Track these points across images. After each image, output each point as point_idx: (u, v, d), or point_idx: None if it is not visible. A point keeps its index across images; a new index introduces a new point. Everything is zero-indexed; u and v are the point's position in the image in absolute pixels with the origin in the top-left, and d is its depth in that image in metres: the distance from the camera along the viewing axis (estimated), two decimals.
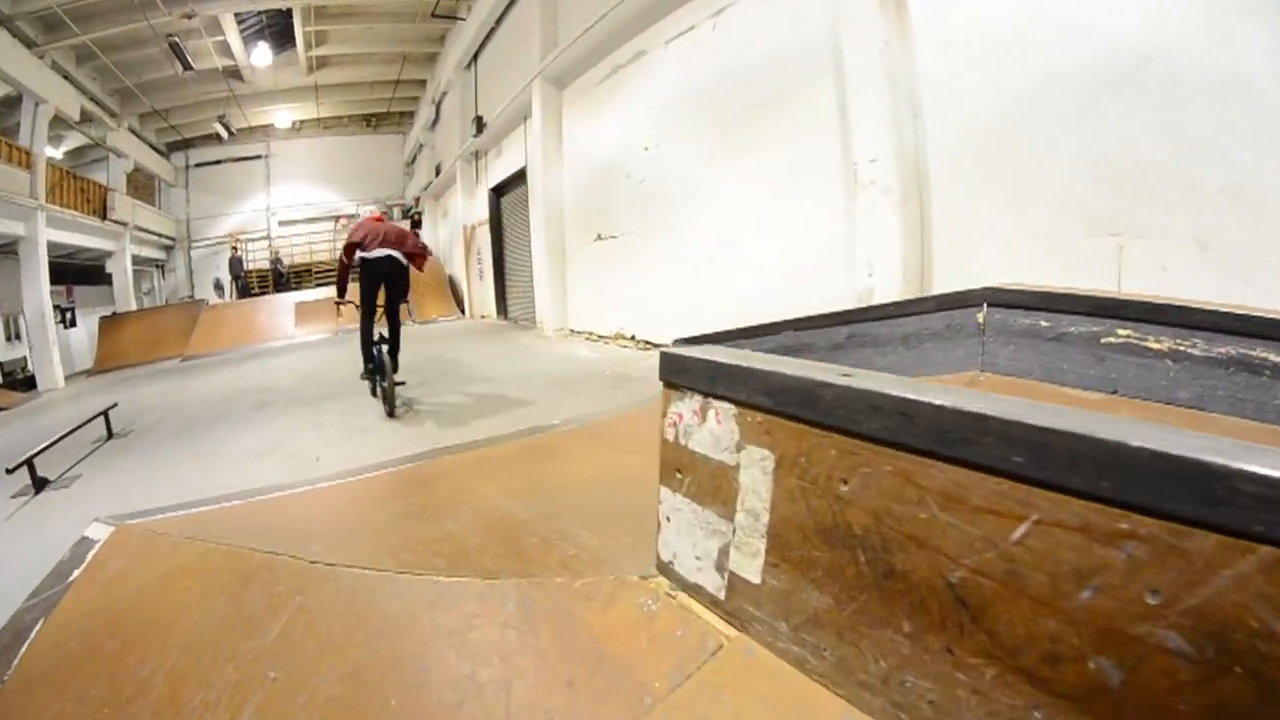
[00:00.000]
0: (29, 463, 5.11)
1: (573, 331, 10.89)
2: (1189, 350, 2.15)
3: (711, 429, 1.13)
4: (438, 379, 7.95)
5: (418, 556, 1.69)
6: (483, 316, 16.90)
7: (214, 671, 1.43)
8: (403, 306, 6.61)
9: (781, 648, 1.05)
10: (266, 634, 1.49)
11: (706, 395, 1.13)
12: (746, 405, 1.06)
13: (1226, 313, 2.08)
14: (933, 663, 0.85)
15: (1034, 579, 0.74)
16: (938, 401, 0.79)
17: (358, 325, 6.59)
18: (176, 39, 15.28)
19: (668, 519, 1.25)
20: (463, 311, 18.12)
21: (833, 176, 5.31)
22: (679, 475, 1.21)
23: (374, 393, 6.68)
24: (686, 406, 1.17)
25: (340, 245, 8.29)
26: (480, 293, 17.05)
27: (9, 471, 4.90)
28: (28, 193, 13.26)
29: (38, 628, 2.00)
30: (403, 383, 6.50)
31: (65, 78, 15.23)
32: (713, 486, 1.14)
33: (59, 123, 15.09)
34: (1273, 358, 1.97)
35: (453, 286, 19.07)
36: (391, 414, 6.05)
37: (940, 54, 4.50)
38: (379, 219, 6.67)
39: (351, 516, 2.62)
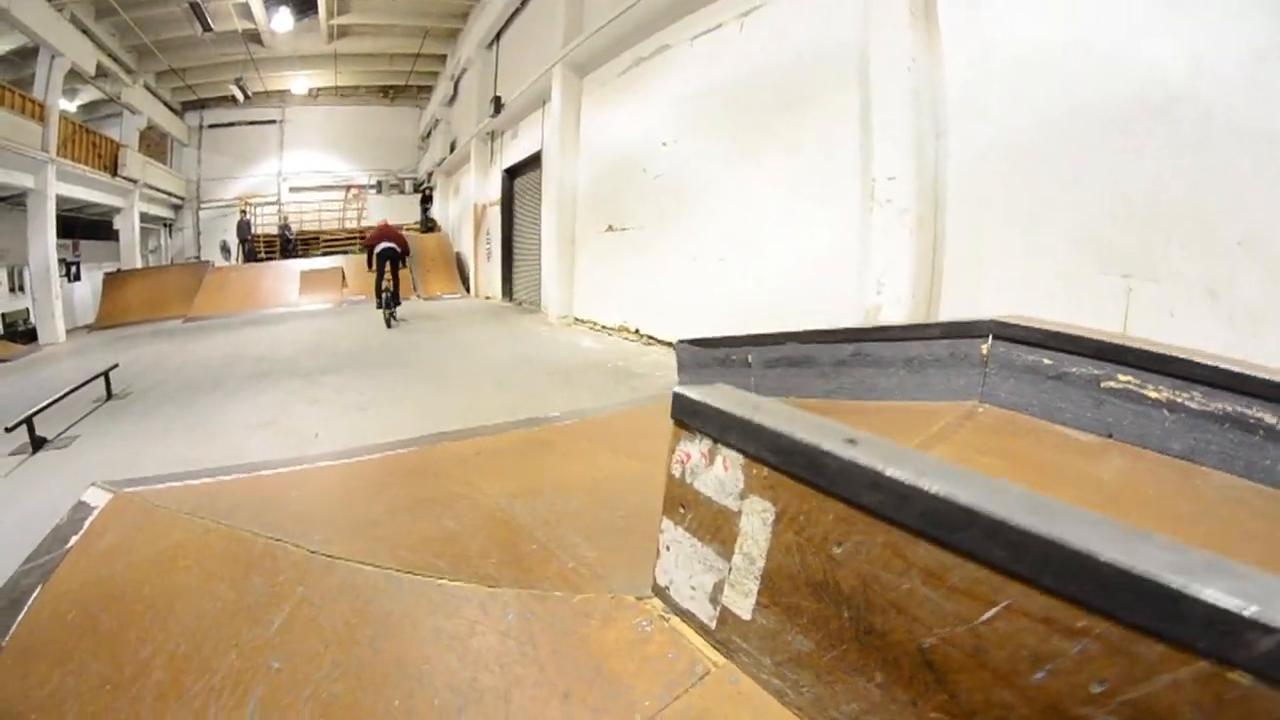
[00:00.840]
0: (28, 421, 5.18)
1: (577, 320, 10.95)
2: (1186, 403, 2.17)
3: (718, 474, 1.18)
4: (437, 368, 7.99)
5: (419, 556, 1.73)
6: (487, 297, 16.97)
7: (216, 658, 1.45)
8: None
9: (764, 679, 1.11)
10: (269, 624, 1.51)
11: (716, 441, 1.17)
12: (753, 458, 1.11)
13: (1227, 370, 2.10)
14: (899, 712, 0.91)
15: (996, 655, 0.81)
16: (933, 489, 0.85)
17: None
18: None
19: (667, 548, 1.30)
20: (468, 290, 18.23)
21: (850, 189, 5.32)
22: (682, 510, 1.26)
23: (387, 322, 11.41)
24: (695, 448, 1.21)
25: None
26: (487, 273, 17.12)
27: (8, 430, 4.97)
28: (39, 145, 13.31)
29: (35, 594, 1.97)
30: (398, 303, 11.80)
31: (83, 32, 15.21)
32: (714, 526, 1.19)
33: (74, 76, 15.09)
34: (1268, 418, 1.99)
35: (459, 264, 19.17)
36: (389, 326, 11.23)
37: (968, 74, 4.48)
38: (386, 225, 12.56)
39: (350, 503, 2.62)
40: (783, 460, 1.05)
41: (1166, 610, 0.65)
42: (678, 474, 1.26)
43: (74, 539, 2.30)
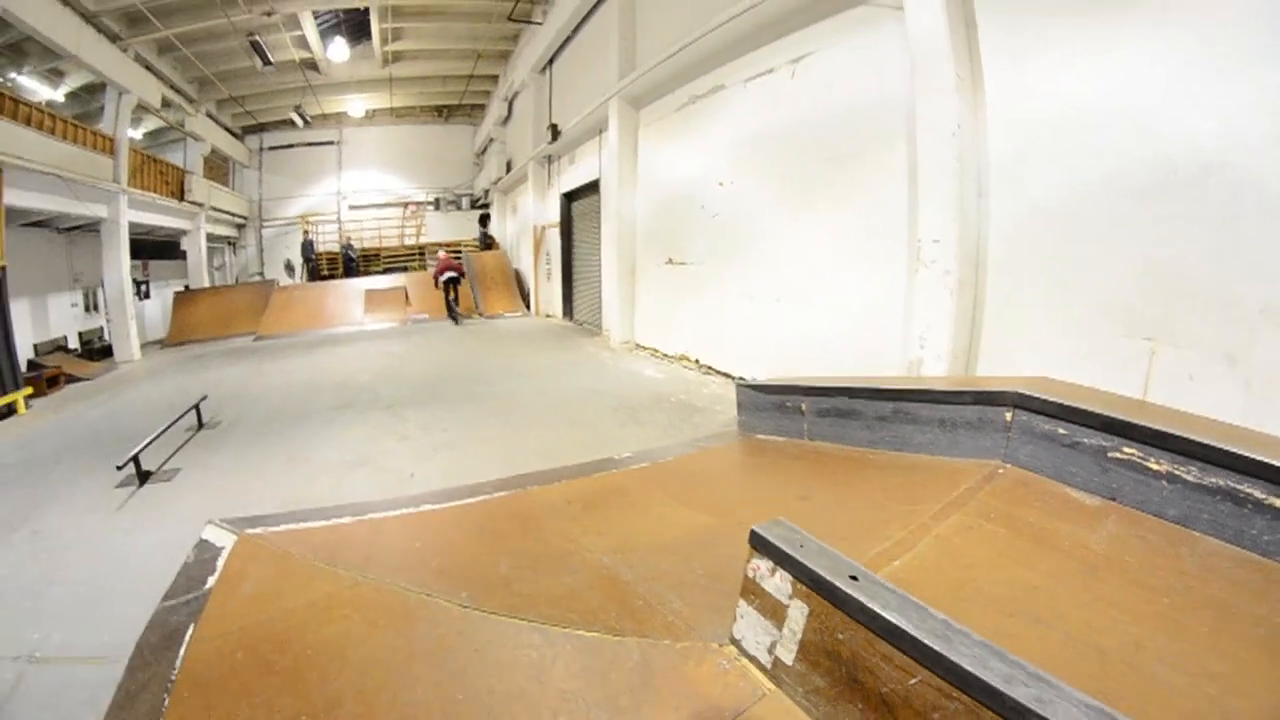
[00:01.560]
0: (135, 459, 5.69)
1: (639, 346, 11.31)
2: (1184, 475, 2.55)
3: (776, 582, 1.87)
4: (509, 402, 8.47)
5: (556, 610, 2.33)
6: (548, 315, 17.69)
7: (405, 692, 1.90)
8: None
9: (798, 701, 1.77)
10: (443, 667, 2.03)
11: (776, 563, 1.87)
12: (796, 578, 1.81)
13: (1222, 449, 2.45)
14: None
15: (916, 702, 1.48)
16: (888, 616, 1.55)
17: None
18: (257, 37, 16.21)
19: (742, 616, 1.97)
20: (528, 307, 18.95)
21: (896, 246, 5.62)
22: (753, 596, 1.94)
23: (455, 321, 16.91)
24: (764, 564, 1.91)
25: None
26: (547, 292, 17.78)
27: (119, 468, 5.52)
28: (111, 177, 14.26)
29: (190, 632, 2.27)
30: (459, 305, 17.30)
31: (147, 68, 16.20)
32: (772, 610, 1.88)
33: (140, 108, 16.01)
34: (1257, 494, 2.34)
35: (519, 282, 19.89)
36: (456, 322, 16.99)
37: (1011, 137, 4.70)
38: (446, 258, 17.39)
39: (475, 554, 3.09)
40: (812, 584, 1.77)
41: (993, 698, 1.31)
42: (751, 575, 1.96)
43: (210, 580, 2.67)
